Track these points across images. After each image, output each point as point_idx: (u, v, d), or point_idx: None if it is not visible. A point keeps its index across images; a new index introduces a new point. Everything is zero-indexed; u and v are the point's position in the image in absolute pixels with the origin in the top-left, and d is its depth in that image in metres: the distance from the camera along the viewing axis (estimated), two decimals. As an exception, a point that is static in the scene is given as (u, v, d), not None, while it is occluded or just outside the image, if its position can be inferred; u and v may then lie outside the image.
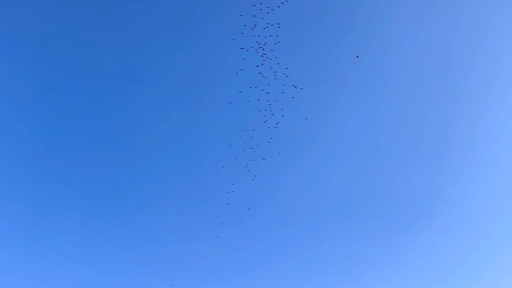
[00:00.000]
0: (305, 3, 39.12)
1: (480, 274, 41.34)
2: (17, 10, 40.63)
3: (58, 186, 41.66)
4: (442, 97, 42.60)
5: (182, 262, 40.54)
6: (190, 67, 41.81)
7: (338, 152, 42.55)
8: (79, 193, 41.63)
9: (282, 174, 42.23)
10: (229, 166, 39.00)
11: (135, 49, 41.81)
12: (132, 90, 42.34)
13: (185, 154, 42.50)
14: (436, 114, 42.81)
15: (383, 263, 41.58)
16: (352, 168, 42.80)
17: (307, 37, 39.82)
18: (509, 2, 40.25)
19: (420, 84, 42.51)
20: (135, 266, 40.02)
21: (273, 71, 32.54)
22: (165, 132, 42.43)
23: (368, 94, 42.18)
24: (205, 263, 40.69)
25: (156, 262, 40.13)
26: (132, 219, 41.31)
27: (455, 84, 42.63)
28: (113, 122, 42.56)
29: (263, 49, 31.37)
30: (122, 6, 41.66)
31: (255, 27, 31.27)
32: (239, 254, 41.16)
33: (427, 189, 42.94)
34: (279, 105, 34.78)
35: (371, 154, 42.80)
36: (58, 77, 42.23)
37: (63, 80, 42.16)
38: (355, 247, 41.82)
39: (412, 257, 41.85)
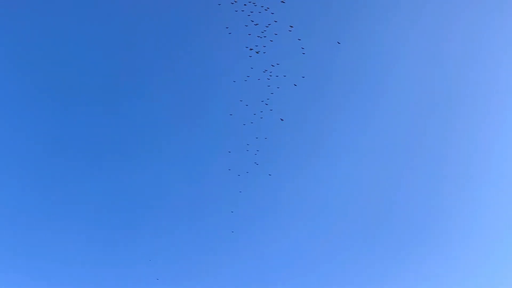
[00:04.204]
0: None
1: (485, 277, 40.82)
2: (13, 9, 41.18)
3: (58, 187, 41.72)
4: (452, 101, 42.59)
5: (186, 262, 40.25)
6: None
7: (344, 155, 42.44)
8: (82, 194, 41.64)
9: (285, 174, 42.11)
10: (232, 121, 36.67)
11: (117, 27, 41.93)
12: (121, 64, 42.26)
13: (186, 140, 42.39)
14: (448, 118, 42.73)
15: (386, 267, 41.15)
16: (356, 170, 42.65)
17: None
18: (509, 2, 40.58)
19: (435, 86, 42.55)
20: (138, 265, 39.82)
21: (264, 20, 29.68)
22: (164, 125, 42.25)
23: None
24: (208, 263, 40.39)
25: (159, 261, 39.93)
26: (134, 219, 41.25)
27: (458, 87, 42.69)
28: (112, 116, 42.82)
29: None
30: None
31: None
32: (242, 254, 40.85)
33: (435, 193, 42.68)
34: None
35: (377, 156, 42.67)
36: (57, 77, 42.67)
37: (62, 80, 42.58)
38: (358, 251, 41.48)
39: (418, 261, 41.42)
